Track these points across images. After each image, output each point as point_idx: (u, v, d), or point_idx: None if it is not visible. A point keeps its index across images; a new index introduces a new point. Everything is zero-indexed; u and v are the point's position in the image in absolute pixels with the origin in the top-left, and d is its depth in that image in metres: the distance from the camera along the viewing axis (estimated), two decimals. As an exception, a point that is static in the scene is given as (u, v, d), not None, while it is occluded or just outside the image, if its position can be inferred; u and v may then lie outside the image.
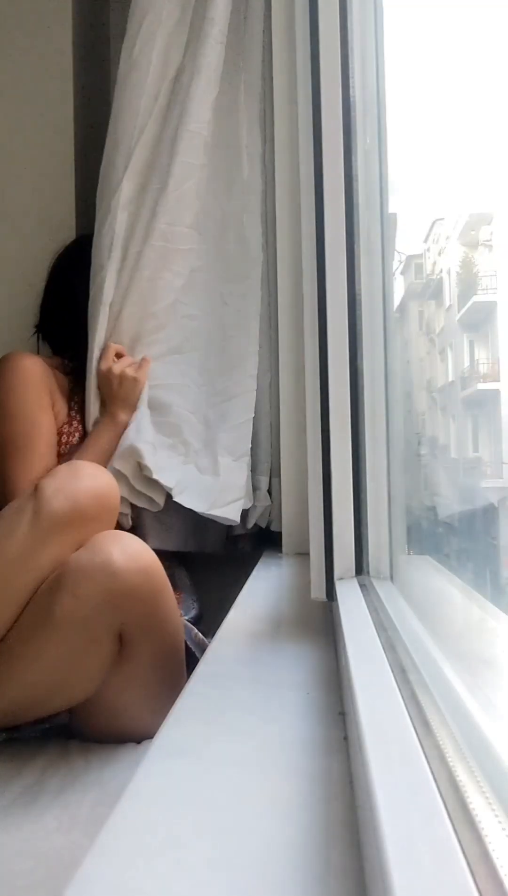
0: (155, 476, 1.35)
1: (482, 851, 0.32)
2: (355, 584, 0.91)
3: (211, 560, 1.57)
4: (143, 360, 1.44)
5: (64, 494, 1.04)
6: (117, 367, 1.40)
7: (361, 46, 0.97)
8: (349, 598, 0.85)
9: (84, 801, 0.95)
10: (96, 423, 1.42)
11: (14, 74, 1.68)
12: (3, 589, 1.03)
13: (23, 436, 1.32)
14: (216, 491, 1.43)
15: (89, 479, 1.07)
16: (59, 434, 1.40)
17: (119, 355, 1.44)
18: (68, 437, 1.41)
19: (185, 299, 1.47)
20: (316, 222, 0.94)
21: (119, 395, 1.40)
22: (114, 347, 1.43)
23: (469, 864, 0.32)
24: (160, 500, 1.39)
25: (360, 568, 0.94)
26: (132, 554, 1.03)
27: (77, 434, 1.42)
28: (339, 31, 0.94)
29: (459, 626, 0.92)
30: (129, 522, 1.40)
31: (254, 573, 1.26)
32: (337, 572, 0.93)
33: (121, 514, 1.34)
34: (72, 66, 1.67)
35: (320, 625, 0.91)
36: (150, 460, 1.35)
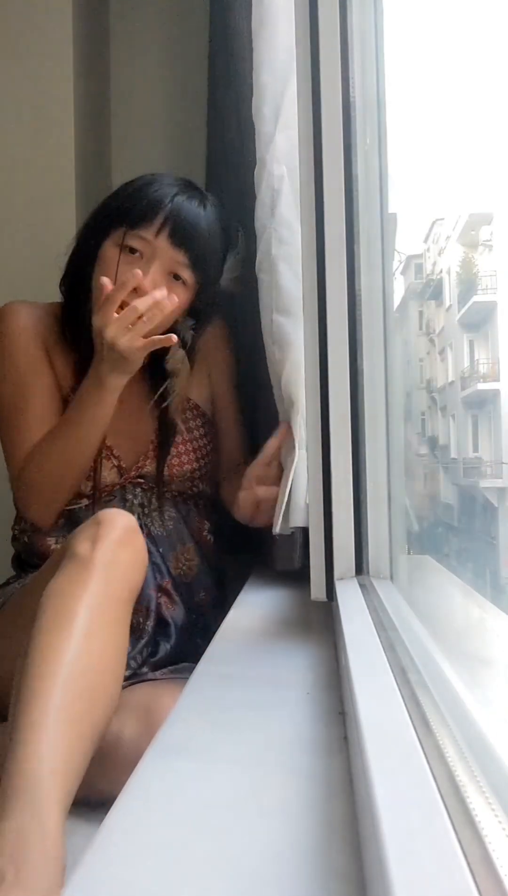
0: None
1: (482, 852, 0.32)
2: (355, 584, 0.91)
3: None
4: (159, 301, 1.06)
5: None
6: (110, 330, 1.06)
7: (361, 46, 0.97)
8: (349, 598, 0.85)
9: (85, 802, 0.95)
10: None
11: (14, 74, 1.68)
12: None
13: (13, 406, 1.17)
14: None
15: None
16: (67, 400, 1.19)
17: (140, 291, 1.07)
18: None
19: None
20: (316, 222, 0.94)
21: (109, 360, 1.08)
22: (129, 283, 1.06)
23: (469, 864, 0.32)
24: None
25: (360, 568, 0.94)
26: None
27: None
28: (339, 31, 0.94)
29: (459, 626, 0.93)
30: None
31: (254, 573, 1.26)
32: (337, 572, 0.93)
33: None
34: (72, 63, 1.67)
35: (320, 625, 0.91)
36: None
